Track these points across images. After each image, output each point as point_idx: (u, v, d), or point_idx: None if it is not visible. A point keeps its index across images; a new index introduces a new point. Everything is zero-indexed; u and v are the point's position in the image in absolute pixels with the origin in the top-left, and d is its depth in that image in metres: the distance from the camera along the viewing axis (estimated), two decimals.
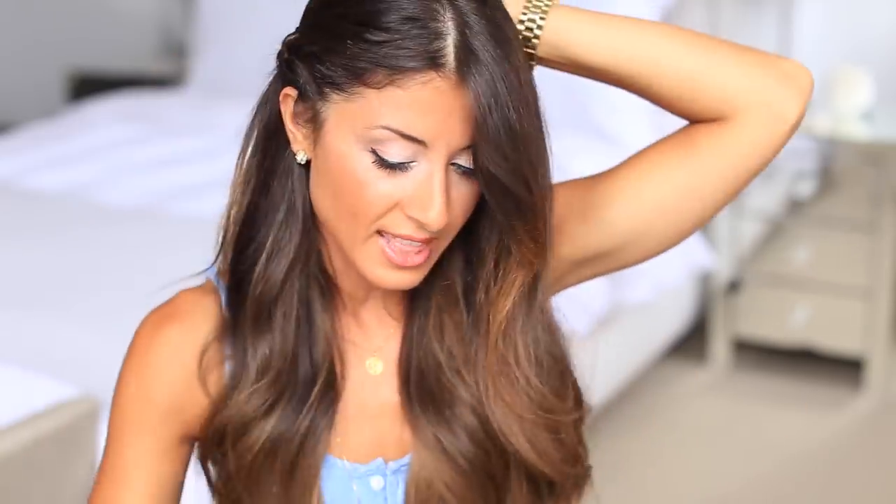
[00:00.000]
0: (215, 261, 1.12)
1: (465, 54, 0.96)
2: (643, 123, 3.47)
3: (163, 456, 1.09)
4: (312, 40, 1.01)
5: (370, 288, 1.10)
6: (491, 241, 1.05)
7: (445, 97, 0.96)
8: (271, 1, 3.94)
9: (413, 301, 1.11)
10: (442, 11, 0.96)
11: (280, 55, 1.04)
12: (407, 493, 1.10)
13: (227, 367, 1.08)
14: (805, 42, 3.73)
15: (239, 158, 1.09)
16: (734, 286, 3.56)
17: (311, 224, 1.06)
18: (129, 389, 1.10)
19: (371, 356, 1.12)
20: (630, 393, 3.42)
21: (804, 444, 3.23)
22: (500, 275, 1.06)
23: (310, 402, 1.06)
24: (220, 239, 1.10)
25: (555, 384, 1.13)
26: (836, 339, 3.48)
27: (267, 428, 1.05)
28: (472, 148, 0.98)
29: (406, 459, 1.10)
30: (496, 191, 0.99)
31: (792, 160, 3.47)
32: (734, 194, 1.13)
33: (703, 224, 1.14)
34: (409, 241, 1.01)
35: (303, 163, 1.04)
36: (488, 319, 1.07)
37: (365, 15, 0.97)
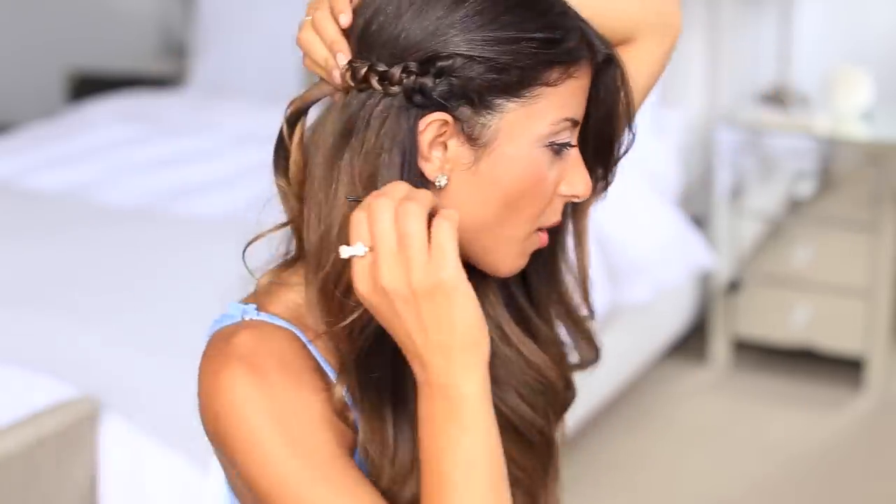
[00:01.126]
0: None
1: (594, 39, 1.02)
2: (642, 122, 3.46)
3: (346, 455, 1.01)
4: (475, 55, 0.96)
5: None
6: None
7: (588, 76, 1.02)
8: (271, 1, 3.94)
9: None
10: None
11: (419, 85, 0.97)
12: None
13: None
14: (805, 42, 3.73)
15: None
16: (734, 286, 3.57)
17: None
18: (276, 432, 0.97)
19: None
20: (630, 393, 3.42)
21: (804, 444, 3.23)
22: (576, 227, 1.15)
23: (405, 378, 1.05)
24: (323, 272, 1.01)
25: None
26: (836, 339, 3.48)
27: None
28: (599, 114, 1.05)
29: None
30: (614, 152, 1.10)
31: (792, 160, 3.47)
32: (638, 106, 1.17)
33: None
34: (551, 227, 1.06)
35: (441, 187, 0.99)
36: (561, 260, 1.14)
37: (530, 18, 0.98)
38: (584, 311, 1.18)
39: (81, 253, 2.69)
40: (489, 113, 0.97)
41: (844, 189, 3.43)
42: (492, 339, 1.03)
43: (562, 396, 1.16)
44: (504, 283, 1.11)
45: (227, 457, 0.99)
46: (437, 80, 0.96)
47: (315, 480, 0.95)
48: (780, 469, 3.10)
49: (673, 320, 3.59)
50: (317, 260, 1.00)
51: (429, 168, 0.99)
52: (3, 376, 2.23)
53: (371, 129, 0.97)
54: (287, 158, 1.04)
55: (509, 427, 1.10)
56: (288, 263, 1.07)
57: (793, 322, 3.50)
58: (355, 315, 0.97)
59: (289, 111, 1.04)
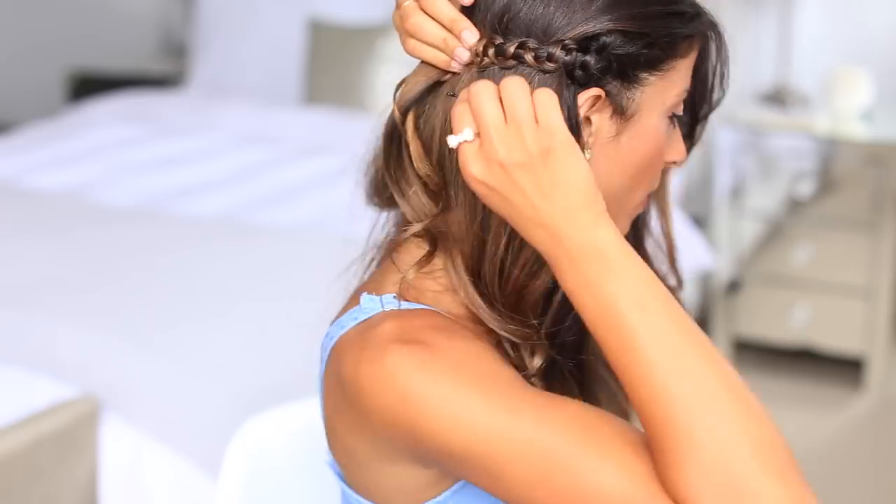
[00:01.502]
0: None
1: None
2: None
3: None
4: (630, 30, 0.99)
5: None
6: None
7: None
8: (271, 1, 3.94)
9: None
10: None
11: (580, 62, 0.98)
12: None
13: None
14: (805, 42, 3.73)
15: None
16: (734, 286, 3.56)
17: None
18: (456, 379, 0.95)
19: None
20: None
21: (804, 444, 3.23)
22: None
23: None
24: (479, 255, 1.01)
25: None
26: (836, 339, 3.48)
27: None
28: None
29: None
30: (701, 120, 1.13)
31: (792, 160, 3.47)
32: None
33: None
34: None
35: (588, 159, 1.00)
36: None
37: None
38: (671, 281, 1.22)
39: (81, 253, 2.69)
40: (635, 87, 1.00)
41: (844, 189, 3.43)
42: None
43: None
44: None
45: (422, 439, 0.95)
46: (598, 55, 0.98)
47: (516, 411, 0.92)
48: None
49: None
50: (480, 247, 1.00)
51: (583, 144, 1.00)
52: (3, 376, 2.23)
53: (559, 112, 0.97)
54: (400, 153, 1.03)
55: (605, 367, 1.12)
56: (421, 263, 1.03)
57: (793, 322, 3.50)
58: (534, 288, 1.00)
59: (400, 99, 1.02)
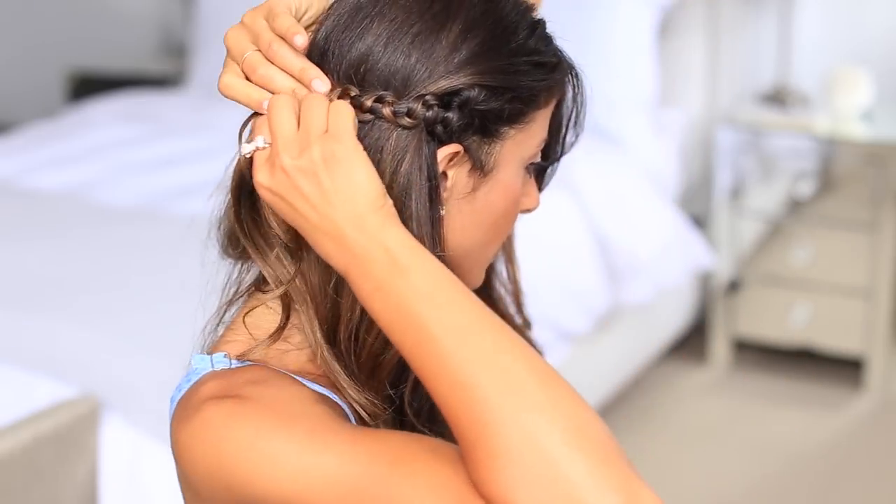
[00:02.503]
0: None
1: None
2: (642, 122, 3.47)
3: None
4: (492, 85, 0.95)
5: None
6: None
7: None
8: None
9: None
10: None
11: (441, 118, 0.95)
12: None
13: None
14: (805, 42, 3.73)
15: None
16: (734, 286, 3.56)
17: None
18: (289, 444, 0.90)
19: None
20: (630, 393, 3.42)
21: (804, 444, 3.23)
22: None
23: None
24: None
25: None
26: (836, 339, 3.48)
27: None
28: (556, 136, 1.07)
29: None
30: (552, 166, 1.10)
31: (792, 160, 3.47)
32: None
33: None
34: None
35: (440, 216, 0.98)
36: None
37: (529, 41, 0.98)
38: (518, 321, 1.18)
39: (81, 253, 2.69)
40: (495, 141, 0.98)
41: (844, 189, 3.42)
42: None
43: None
44: None
45: (240, 491, 0.91)
46: (460, 111, 0.95)
47: (324, 448, 0.89)
48: (780, 469, 3.10)
49: (673, 320, 3.59)
50: (335, 310, 0.97)
51: (441, 203, 0.98)
52: (3, 376, 2.24)
53: (385, 163, 0.94)
54: (254, 205, 0.99)
55: None
56: (274, 337, 0.99)
57: (793, 322, 3.50)
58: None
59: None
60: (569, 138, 1.07)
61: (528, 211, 1.05)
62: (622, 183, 3.32)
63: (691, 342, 3.73)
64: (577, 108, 1.05)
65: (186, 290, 2.62)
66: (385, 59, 0.94)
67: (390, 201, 0.91)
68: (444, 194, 0.97)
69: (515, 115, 0.97)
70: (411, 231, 0.93)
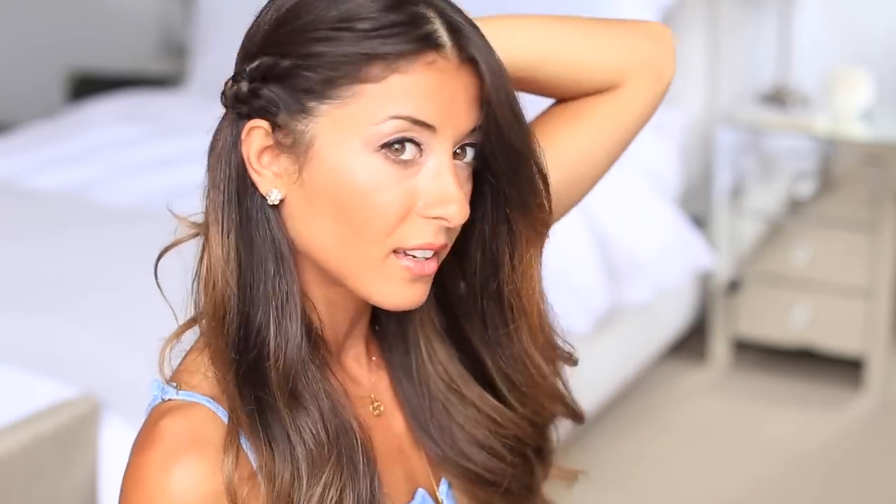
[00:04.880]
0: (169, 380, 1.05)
1: (457, 34, 0.94)
2: None
3: None
4: (284, 55, 0.93)
5: (349, 331, 1.06)
6: (486, 241, 1.03)
7: (450, 77, 0.94)
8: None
9: (389, 333, 1.09)
10: None
11: (235, 92, 0.96)
12: None
13: (262, 476, 0.95)
14: (805, 42, 3.73)
15: (212, 237, 1.01)
16: (734, 286, 3.56)
17: (294, 273, 0.98)
18: None
19: (368, 398, 1.07)
20: (630, 393, 3.42)
21: (804, 444, 3.23)
22: (516, 260, 1.02)
23: (362, 470, 0.97)
24: (211, 341, 1.00)
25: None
26: (836, 339, 3.48)
27: None
28: (481, 127, 0.96)
29: (444, 485, 1.09)
30: (513, 164, 0.98)
31: (792, 160, 3.47)
32: (628, 145, 1.17)
33: (605, 173, 1.16)
34: (423, 251, 0.96)
35: (276, 203, 0.96)
36: (514, 306, 1.04)
37: (343, 13, 0.92)
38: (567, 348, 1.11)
39: (81, 253, 2.69)
40: (305, 117, 0.93)
41: (844, 189, 3.42)
42: (442, 396, 1.04)
43: (540, 449, 1.12)
44: (453, 328, 1.07)
45: None
46: (250, 84, 0.94)
47: None
48: (780, 469, 3.10)
49: (673, 320, 3.59)
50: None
51: (261, 182, 0.97)
52: (3, 376, 2.24)
53: (212, 151, 1.01)
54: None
55: (484, 482, 1.09)
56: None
57: (793, 322, 3.50)
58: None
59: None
60: (511, 127, 0.96)
61: (442, 221, 0.94)
62: (622, 183, 3.32)
63: (691, 342, 3.73)
64: (497, 91, 0.95)
65: (187, 290, 2.62)
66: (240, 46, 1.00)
67: None
68: (278, 179, 0.96)
69: (323, 88, 0.92)
70: (224, 200, 1.00)
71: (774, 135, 3.51)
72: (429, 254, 0.96)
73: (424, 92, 0.92)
